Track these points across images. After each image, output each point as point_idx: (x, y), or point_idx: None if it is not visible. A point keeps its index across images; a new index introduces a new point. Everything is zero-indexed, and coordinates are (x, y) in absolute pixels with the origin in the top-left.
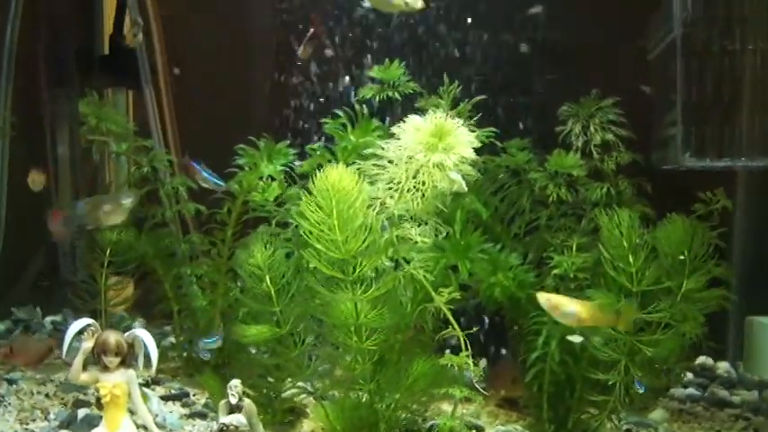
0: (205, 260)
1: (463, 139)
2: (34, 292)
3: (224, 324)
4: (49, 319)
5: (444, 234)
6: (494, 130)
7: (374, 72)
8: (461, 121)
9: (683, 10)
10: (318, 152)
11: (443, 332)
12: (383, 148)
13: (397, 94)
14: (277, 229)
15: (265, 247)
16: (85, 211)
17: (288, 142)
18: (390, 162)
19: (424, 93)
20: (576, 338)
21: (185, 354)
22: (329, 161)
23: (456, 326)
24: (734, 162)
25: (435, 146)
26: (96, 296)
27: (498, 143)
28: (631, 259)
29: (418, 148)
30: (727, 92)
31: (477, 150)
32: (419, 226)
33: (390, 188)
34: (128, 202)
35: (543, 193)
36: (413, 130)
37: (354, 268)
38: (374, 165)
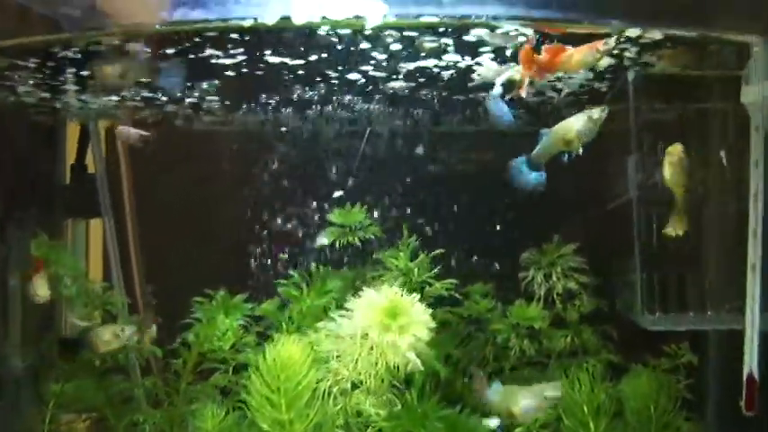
0: (160, 409)
1: (419, 319)
2: None
3: None
4: None
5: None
6: (453, 281)
7: (334, 216)
8: (416, 299)
9: (638, 171)
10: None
11: None
12: (338, 324)
13: (357, 240)
14: (234, 377)
15: (216, 410)
16: None
17: (245, 296)
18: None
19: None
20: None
21: None
22: (282, 324)
23: None
24: (699, 320)
25: (389, 326)
26: None
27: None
28: (592, 426)
29: (372, 326)
30: (686, 248)
31: (438, 300)
32: (372, 395)
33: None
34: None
35: (506, 342)
36: (366, 307)
37: None
38: (328, 336)
